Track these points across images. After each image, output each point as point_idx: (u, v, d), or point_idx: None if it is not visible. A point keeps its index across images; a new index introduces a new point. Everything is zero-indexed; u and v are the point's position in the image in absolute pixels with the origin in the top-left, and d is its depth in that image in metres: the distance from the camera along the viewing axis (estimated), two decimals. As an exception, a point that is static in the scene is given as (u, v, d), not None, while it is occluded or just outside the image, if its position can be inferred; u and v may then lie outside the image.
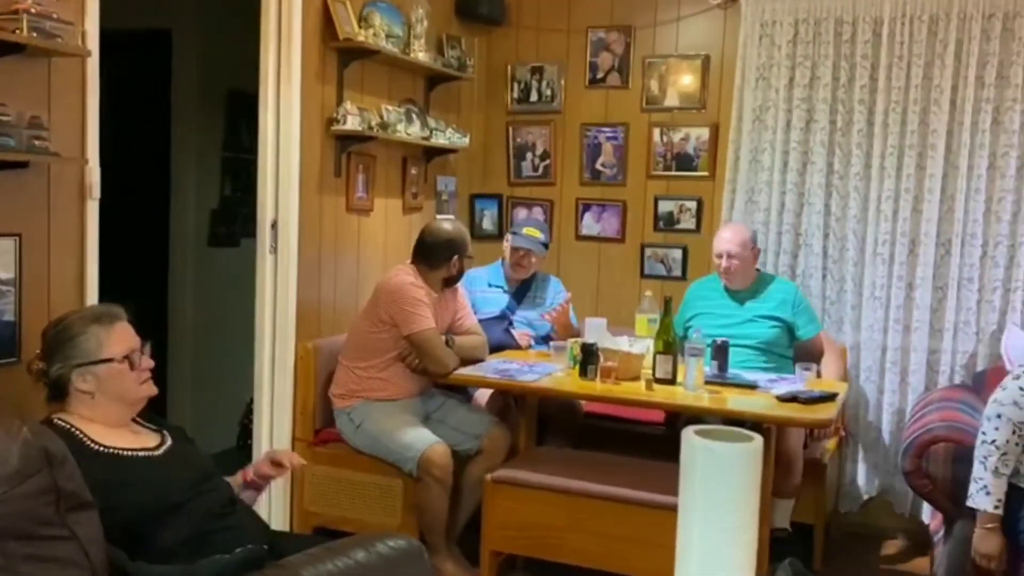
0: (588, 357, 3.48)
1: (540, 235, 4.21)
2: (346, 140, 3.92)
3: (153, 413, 2.46)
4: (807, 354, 3.91)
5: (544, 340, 4.08)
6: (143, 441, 2.33)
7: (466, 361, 3.65)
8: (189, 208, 5.01)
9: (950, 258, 4.09)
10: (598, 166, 4.80)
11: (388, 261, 4.21)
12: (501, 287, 4.26)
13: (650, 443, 3.88)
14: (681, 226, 4.64)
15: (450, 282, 3.78)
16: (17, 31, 2.46)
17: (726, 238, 3.98)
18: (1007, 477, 2.75)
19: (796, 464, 3.63)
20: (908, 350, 4.17)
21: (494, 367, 3.65)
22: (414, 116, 4.28)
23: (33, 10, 2.49)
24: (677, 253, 4.66)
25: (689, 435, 1.55)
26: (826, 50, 4.22)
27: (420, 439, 3.49)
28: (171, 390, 4.78)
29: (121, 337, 2.31)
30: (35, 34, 2.50)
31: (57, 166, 2.75)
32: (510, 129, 4.94)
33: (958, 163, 4.05)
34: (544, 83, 4.87)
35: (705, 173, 4.57)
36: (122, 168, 3.27)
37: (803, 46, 4.25)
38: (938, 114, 4.06)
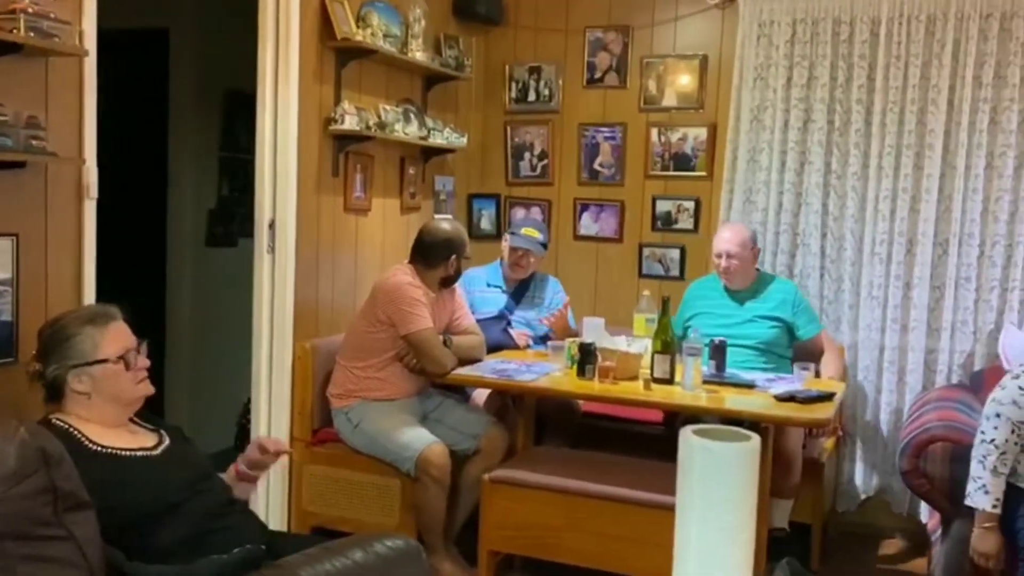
0: (586, 357, 3.48)
1: (539, 235, 4.21)
2: (344, 140, 3.91)
3: (151, 413, 2.46)
4: (808, 354, 3.90)
5: (542, 340, 4.08)
6: (141, 441, 2.32)
7: (464, 361, 3.65)
8: (187, 208, 5.01)
9: (947, 258, 4.10)
10: (596, 166, 4.80)
11: (386, 261, 4.20)
12: (499, 287, 4.26)
13: (648, 443, 3.88)
14: (679, 226, 4.64)
15: (448, 282, 3.78)
16: (14, 31, 2.46)
17: (726, 238, 3.98)
18: (1005, 476, 2.76)
19: (795, 464, 3.63)
20: (906, 349, 4.18)
21: (492, 367, 3.65)
22: (412, 116, 4.28)
23: (30, 10, 2.48)
24: (675, 253, 4.66)
25: (687, 434, 1.55)
26: (824, 50, 4.22)
27: (418, 439, 3.48)
28: (169, 390, 4.78)
29: (116, 337, 2.31)
30: (32, 34, 2.49)
31: (54, 166, 2.74)
32: (508, 129, 4.94)
33: (955, 163, 4.05)
34: (542, 83, 4.87)
35: (703, 173, 4.57)
36: (120, 168, 3.26)
37: (801, 46, 4.26)
38: (936, 114, 4.07)
